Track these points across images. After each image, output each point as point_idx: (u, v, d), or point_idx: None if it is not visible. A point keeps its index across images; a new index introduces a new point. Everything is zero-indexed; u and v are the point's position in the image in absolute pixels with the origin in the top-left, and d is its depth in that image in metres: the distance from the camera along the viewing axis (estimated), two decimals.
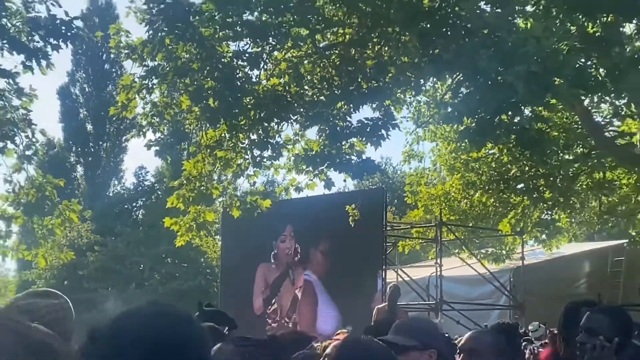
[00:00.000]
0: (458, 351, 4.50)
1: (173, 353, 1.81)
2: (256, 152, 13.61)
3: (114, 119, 42.99)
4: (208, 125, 13.52)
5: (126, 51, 12.75)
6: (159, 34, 11.73)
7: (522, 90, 9.20)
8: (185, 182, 14.45)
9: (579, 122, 16.39)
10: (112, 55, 43.01)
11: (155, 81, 12.82)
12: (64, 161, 46.79)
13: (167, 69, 12.27)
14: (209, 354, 1.97)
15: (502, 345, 4.53)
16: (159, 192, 43.49)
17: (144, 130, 13.66)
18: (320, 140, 13.17)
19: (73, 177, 47.13)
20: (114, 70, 47.08)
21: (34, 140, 13.44)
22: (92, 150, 48.83)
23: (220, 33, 12.02)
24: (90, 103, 48.05)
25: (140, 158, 77.13)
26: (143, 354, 1.78)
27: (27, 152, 13.38)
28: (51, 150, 43.96)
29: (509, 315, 18.32)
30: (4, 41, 12.35)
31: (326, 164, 12.89)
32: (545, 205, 18.25)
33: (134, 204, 46.15)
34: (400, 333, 3.60)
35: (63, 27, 12.32)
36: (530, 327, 13.53)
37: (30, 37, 12.35)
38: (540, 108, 11.91)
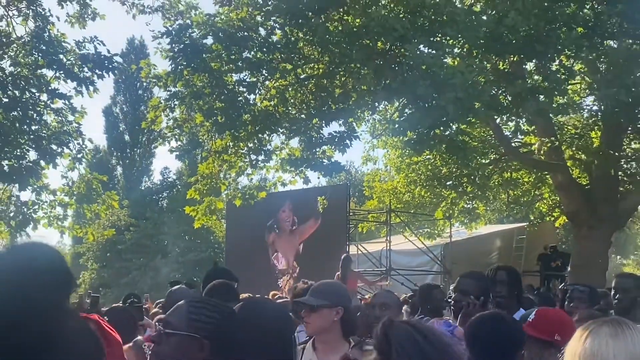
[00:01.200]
0: (371, 305, 4.29)
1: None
2: (253, 157, 13.56)
3: (145, 131, 42.84)
4: (216, 135, 13.46)
5: (154, 80, 12.68)
6: (179, 67, 11.67)
7: (451, 112, 9.24)
8: (200, 179, 14.41)
9: (493, 135, 16.46)
10: (144, 84, 43.01)
11: (176, 102, 12.76)
12: (107, 163, 46.54)
13: (185, 93, 12.20)
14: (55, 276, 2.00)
15: (400, 301, 4.47)
16: (179, 187, 43.26)
17: (168, 139, 13.59)
18: (300, 148, 13.14)
19: (114, 175, 46.82)
20: (145, 94, 46.80)
21: (84, 146, 13.41)
22: (129, 155, 48.60)
23: (226, 67, 11.96)
24: (127, 119, 47.81)
25: (165, 161, 76.92)
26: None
27: (78, 155, 13.31)
28: (97, 155, 43.61)
29: (440, 279, 18.38)
30: (61, 72, 12.27)
31: (304, 165, 12.86)
32: (467, 197, 18.33)
33: (160, 195, 45.89)
34: (313, 295, 3.48)
35: (106, 62, 12.26)
36: (451, 287, 13.55)
37: (80, 69, 12.27)
38: (463, 125, 11.95)
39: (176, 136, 13.49)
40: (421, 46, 10.37)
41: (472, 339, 3.06)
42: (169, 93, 12.59)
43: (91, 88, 12.27)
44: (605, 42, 11.66)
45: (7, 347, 1.69)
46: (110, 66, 12.33)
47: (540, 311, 3.48)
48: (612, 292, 4.70)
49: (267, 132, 12.94)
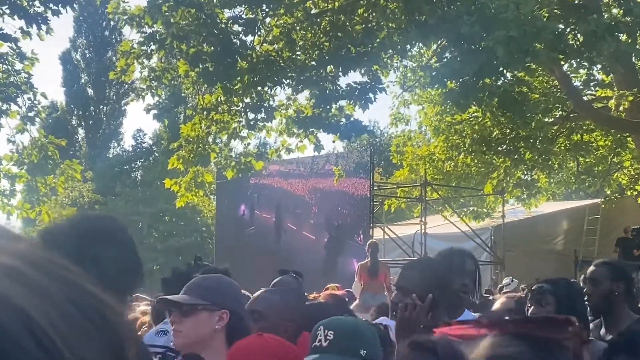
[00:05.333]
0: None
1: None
2: (250, 115, 13.59)
3: (114, 83, 42.93)
4: (204, 89, 13.49)
5: (124, 18, 12.67)
6: (158, 1, 11.67)
7: (502, 54, 9.21)
8: (184, 143, 14.44)
9: (558, 86, 16.39)
10: (111, 22, 42.92)
11: (153, 47, 12.76)
12: (66, 124, 46.71)
13: (165, 35, 12.20)
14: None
15: (292, 307, 3.92)
16: (157, 154, 43.46)
17: (142, 94, 13.62)
18: (310, 103, 13.16)
19: (75, 139, 47.07)
20: (113, 36, 46.86)
21: (35, 102, 13.40)
22: (93, 113, 48.77)
23: (217, 0, 11.95)
24: (91, 68, 47.89)
25: (138, 121, 77.21)
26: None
27: (29, 114, 13.33)
28: (54, 114, 43.78)
29: (490, 271, 18.43)
30: (5, 6, 12.26)
31: (315, 126, 12.89)
32: (525, 166, 18.30)
33: (133, 165, 46.12)
34: (189, 292, 3.17)
35: None
36: (504, 281, 13.61)
37: (30, 3, 12.25)
38: (521, 73, 11.92)
39: (153, 90, 13.52)
40: None
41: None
42: (144, 35, 12.59)
43: (44, 28, 12.26)
44: None
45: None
46: None
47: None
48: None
49: (269, 84, 12.95)
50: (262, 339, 2.96)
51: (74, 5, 12.89)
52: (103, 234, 2.12)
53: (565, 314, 3.87)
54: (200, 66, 12.16)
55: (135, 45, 13.16)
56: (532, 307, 4.13)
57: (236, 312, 3.17)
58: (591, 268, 4.66)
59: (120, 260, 2.05)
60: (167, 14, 11.94)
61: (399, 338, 3.46)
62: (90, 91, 48.46)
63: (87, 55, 48.34)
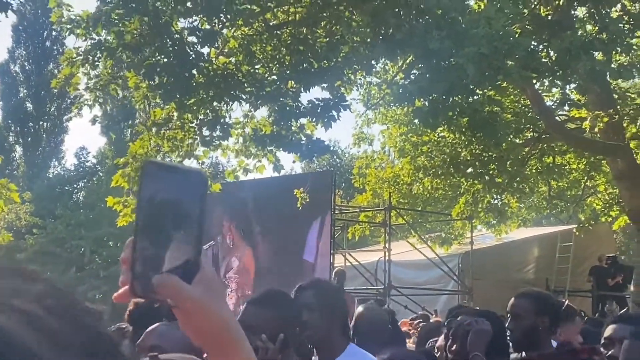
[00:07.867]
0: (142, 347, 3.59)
1: None
2: (205, 132, 13.54)
3: (55, 97, 42.51)
4: (156, 104, 13.41)
5: (69, 25, 12.50)
6: (109, 6, 11.59)
7: (473, 72, 9.33)
8: (131, 160, 14.27)
9: (530, 106, 16.58)
10: (53, 33, 42.62)
11: (99, 56, 12.61)
12: (3, 141, 46.18)
13: (114, 44, 12.09)
14: None
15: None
16: (101, 174, 43.08)
17: (87, 103, 13.44)
18: (270, 121, 13.16)
19: (12, 157, 46.55)
20: (55, 47, 46.49)
21: None
22: (32, 130, 48.22)
23: (172, 6, 11.91)
24: (30, 81, 47.41)
25: (81, 138, 76.41)
26: None
27: None
28: None
29: (457, 301, 18.53)
30: None
31: (274, 145, 12.89)
32: (495, 190, 18.44)
33: (75, 186, 45.65)
34: None
35: None
36: None
37: None
38: (492, 92, 12.06)
39: (99, 100, 13.31)
40: None
41: None
42: (92, 41, 12.46)
43: None
44: None
45: None
46: (4, 1, 12.16)
47: None
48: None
49: (226, 99, 12.93)
50: None
51: (11, 11, 12.62)
52: None
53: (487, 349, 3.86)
54: (156, 79, 12.08)
55: (81, 53, 12.92)
56: (451, 340, 4.07)
57: None
58: (512, 301, 4.52)
59: None
60: (116, 21, 11.84)
61: None
62: (29, 106, 47.96)
63: (27, 68, 47.87)
